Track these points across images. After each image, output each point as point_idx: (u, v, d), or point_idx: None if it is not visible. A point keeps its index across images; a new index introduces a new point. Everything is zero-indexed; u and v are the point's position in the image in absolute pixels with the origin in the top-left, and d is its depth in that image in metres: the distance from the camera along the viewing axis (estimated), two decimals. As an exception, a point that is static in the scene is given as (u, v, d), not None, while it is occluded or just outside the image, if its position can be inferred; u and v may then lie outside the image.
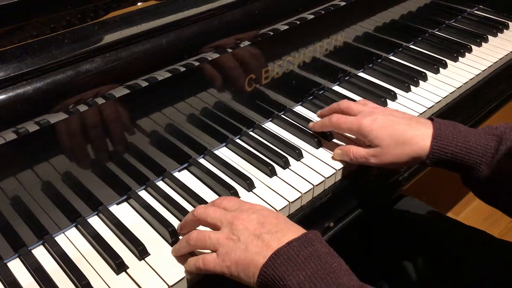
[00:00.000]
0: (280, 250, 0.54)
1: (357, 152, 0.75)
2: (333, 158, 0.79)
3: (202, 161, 0.80)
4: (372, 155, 0.73)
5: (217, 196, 0.73)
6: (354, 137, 0.82)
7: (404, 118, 0.74)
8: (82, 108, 0.61)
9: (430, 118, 0.74)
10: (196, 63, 0.70)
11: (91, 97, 0.61)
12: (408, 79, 1.00)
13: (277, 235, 0.56)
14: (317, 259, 0.53)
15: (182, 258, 0.63)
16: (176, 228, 0.67)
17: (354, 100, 0.93)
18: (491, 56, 1.10)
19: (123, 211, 0.72)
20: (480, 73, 1.05)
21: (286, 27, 0.80)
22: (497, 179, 0.67)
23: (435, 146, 0.69)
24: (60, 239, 0.67)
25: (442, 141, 0.69)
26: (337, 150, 0.79)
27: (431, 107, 0.94)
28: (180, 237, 0.65)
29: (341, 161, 0.79)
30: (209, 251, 0.59)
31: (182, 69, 0.69)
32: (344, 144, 0.83)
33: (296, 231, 0.57)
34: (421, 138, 0.70)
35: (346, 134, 0.83)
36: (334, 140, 0.84)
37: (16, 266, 0.63)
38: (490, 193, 0.70)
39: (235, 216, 0.59)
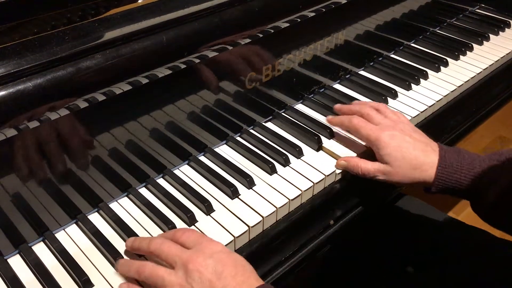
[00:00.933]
0: None
1: (365, 166, 0.75)
2: (336, 167, 0.78)
3: (202, 158, 0.80)
4: (382, 172, 0.74)
5: (218, 194, 0.73)
6: (354, 136, 0.83)
7: (421, 142, 0.73)
8: (82, 104, 0.61)
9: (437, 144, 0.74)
10: (197, 61, 0.70)
11: (90, 94, 0.61)
12: (409, 78, 1.00)
13: None
14: None
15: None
16: (173, 226, 0.66)
17: (356, 99, 0.93)
18: (493, 54, 1.10)
19: (124, 208, 0.72)
20: (481, 72, 1.04)
21: (287, 24, 0.80)
22: (503, 204, 0.68)
23: (439, 174, 0.70)
24: (60, 235, 0.67)
25: (447, 169, 0.70)
26: (341, 161, 0.78)
27: (432, 105, 0.94)
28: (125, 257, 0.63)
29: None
30: None
31: (183, 66, 0.69)
32: (344, 142, 0.83)
33: (252, 285, 0.54)
34: (431, 166, 0.71)
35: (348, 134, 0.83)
36: (335, 138, 0.84)
37: (16, 262, 0.64)
38: (497, 218, 0.71)
39: (191, 259, 0.56)
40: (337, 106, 0.86)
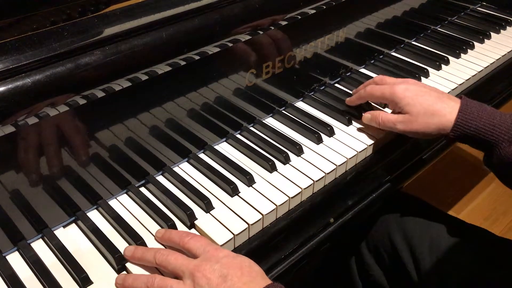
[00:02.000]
0: None
1: (386, 117, 0.79)
2: (363, 120, 0.83)
3: (202, 156, 0.80)
4: (400, 121, 0.77)
5: (218, 192, 0.73)
6: (354, 131, 0.82)
7: (436, 91, 0.77)
8: (81, 101, 0.60)
9: (459, 96, 0.76)
10: (196, 57, 0.70)
11: (90, 90, 0.60)
12: (410, 76, 0.99)
13: None
14: None
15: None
16: (170, 227, 0.66)
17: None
18: (494, 53, 1.10)
19: (123, 205, 0.72)
20: (482, 70, 1.04)
21: (287, 22, 0.80)
22: None
23: (459, 120, 0.72)
24: (59, 233, 0.67)
25: (467, 115, 0.71)
26: (366, 114, 0.83)
27: (432, 103, 0.93)
28: (129, 264, 0.62)
29: (366, 130, 0.83)
30: None
31: (182, 63, 0.68)
32: (344, 140, 0.83)
33: (259, 285, 0.55)
34: (449, 111, 0.73)
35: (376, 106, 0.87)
36: (335, 137, 0.84)
37: (15, 260, 0.63)
38: (510, 174, 0.71)
39: (198, 267, 0.56)
40: (348, 99, 0.89)
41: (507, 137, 0.69)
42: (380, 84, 0.83)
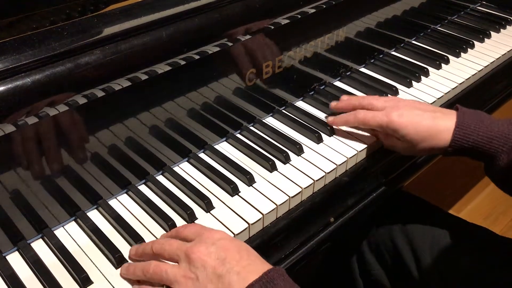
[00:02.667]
0: None
1: (385, 142, 0.80)
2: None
3: (202, 155, 0.80)
4: (403, 148, 0.78)
5: (218, 191, 0.73)
6: (353, 130, 0.82)
7: (429, 111, 0.75)
8: (81, 100, 0.60)
9: (455, 107, 0.76)
10: (196, 57, 0.70)
11: (89, 90, 0.60)
12: (410, 75, 0.99)
13: (239, 275, 0.52)
14: None
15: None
16: (165, 231, 0.66)
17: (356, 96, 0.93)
18: (494, 52, 1.09)
19: (123, 205, 0.71)
20: (482, 69, 1.04)
21: (287, 21, 0.80)
22: None
23: (457, 135, 0.71)
24: (59, 232, 0.67)
25: (465, 130, 0.71)
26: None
27: (433, 102, 0.93)
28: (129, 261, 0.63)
29: (366, 130, 0.82)
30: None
31: (182, 62, 0.68)
32: (345, 139, 0.82)
33: (258, 269, 0.53)
34: (446, 132, 0.72)
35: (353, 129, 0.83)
36: (335, 136, 0.84)
37: (15, 260, 0.63)
38: (510, 182, 0.71)
39: (192, 249, 0.55)
40: (333, 103, 0.86)
41: (506, 148, 0.68)
42: (369, 109, 0.80)
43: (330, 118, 0.84)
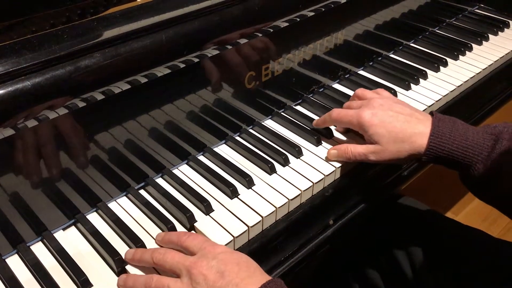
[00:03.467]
0: None
1: (356, 150, 0.75)
2: (327, 159, 0.78)
3: (201, 158, 0.80)
4: (372, 151, 0.73)
5: (218, 194, 0.73)
6: (353, 134, 0.83)
7: (404, 114, 0.73)
8: (81, 103, 0.60)
9: (430, 113, 0.74)
10: (196, 60, 0.70)
11: (89, 93, 0.60)
12: (409, 77, 0.99)
13: (238, 287, 0.53)
14: None
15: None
16: (156, 237, 0.66)
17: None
18: (492, 54, 1.10)
19: (122, 208, 0.72)
20: (480, 72, 1.04)
21: (286, 24, 0.80)
22: (493, 178, 0.67)
23: (432, 143, 0.69)
24: (59, 235, 0.67)
25: (440, 138, 0.69)
26: (332, 150, 0.78)
27: (431, 105, 0.94)
28: (129, 267, 0.63)
29: (338, 160, 0.78)
30: None
31: (182, 65, 0.68)
32: (343, 142, 0.83)
33: (257, 281, 0.54)
34: (420, 136, 0.70)
35: (343, 134, 0.83)
36: (334, 138, 0.84)
37: (14, 262, 0.63)
38: (486, 192, 0.71)
39: (194, 264, 0.56)
40: (314, 122, 0.86)
41: (481, 158, 0.67)
42: (345, 107, 0.80)
43: (314, 121, 0.85)
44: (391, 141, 0.71)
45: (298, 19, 0.82)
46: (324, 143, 0.82)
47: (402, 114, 0.73)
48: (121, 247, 0.65)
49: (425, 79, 1.01)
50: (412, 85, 0.98)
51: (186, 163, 0.79)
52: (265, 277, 0.55)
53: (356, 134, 0.83)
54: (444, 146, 0.69)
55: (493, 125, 0.71)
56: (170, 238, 0.63)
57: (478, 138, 0.69)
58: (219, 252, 0.57)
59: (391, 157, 0.72)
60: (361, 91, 0.83)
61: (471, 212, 1.70)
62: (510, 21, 1.24)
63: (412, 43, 1.15)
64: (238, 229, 0.67)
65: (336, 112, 0.78)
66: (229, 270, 0.55)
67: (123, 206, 0.72)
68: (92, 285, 0.60)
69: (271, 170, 0.76)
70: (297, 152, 0.79)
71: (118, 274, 0.62)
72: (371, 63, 1.05)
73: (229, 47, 0.74)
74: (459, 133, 0.69)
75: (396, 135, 0.71)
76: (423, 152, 0.70)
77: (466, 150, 0.68)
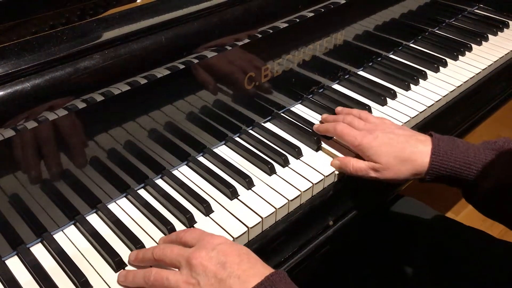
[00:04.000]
0: None
1: (358, 165, 0.75)
2: (331, 165, 0.78)
3: (201, 159, 0.80)
4: (373, 168, 0.73)
5: (217, 195, 0.73)
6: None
7: (404, 136, 0.74)
8: (81, 105, 0.60)
9: (429, 134, 0.74)
10: (196, 61, 0.70)
11: (89, 94, 0.60)
12: (408, 78, 0.99)
13: (240, 279, 0.52)
14: None
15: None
16: (158, 239, 0.66)
17: (355, 100, 0.93)
18: (492, 55, 1.10)
19: (122, 209, 0.72)
20: (480, 72, 1.04)
21: (286, 25, 0.80)
22: (497, 193, 0.68)
23: (434, 162, 0.69)
24: (59, 237, 0.67)
25: (441, 157, 0.69)
26: (335, 161, 0.78)
27: (431, 106, 0.94)
28: (129, 268, 0.63)
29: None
30: None
31: (181, 66, 0.68)
32: (343, 143, 0.83)
33: (259, 273, 0.53)
34: (420, 155, 0.71)
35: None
36: (334, 139, 0.84)
37: (14, 264, 0.63)
38: (490, 207, 0.71)
39: (194, 254, 0.55)
40: (323, 115, 0.86)
41: (484, 174, 0.67)
42: (348, 124, 0.79)
43: (316, 125, 0.85)
44: (391, 161, 0.72)
45: (298, 20, 0.82)
46: (323, 144, 0.82)
47: (402, 136, 0.74)
48: (121, 248, 0.65)
49: (424, 80, 1.01)
50: (411, 85, 0.98)
51: (186, 164, 0.79)
52: (268, 269, 0.55)
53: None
54: (447, 164, 0.69)
55: (493, 141, 0.71)
56: (170, 238, 0.63)
57: (479, 155, 0.69)
58: (218, 243, 0.56)
59: (392, 176, 0.73)
60: (364, 114, 0.82)
61: (472, 212, 1.68)
62: (509, 21, 1.24)
63: (411, 43, 1.15)
64: (238, 230, 0.67)
65: (341, 127, 0.78)
66: (230, 261, 0.54)
67: (123, 207, 0.72)
68: (92, 286, 0.60)
69: (271, 171, 0.76)
70: (297, 153, 0.79)
71: (118, 275, 0.62)
72: (370, 64, 1.05)
73: (229, 48, 0.74)
74: (460, 151, 0.69)
75: (396, 154, 0.72)
76: (426, 171, 0.70)
77: (469, 167, 0.68)
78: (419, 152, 0.71)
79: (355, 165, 0.75)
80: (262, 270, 0.54)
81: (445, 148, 0.70)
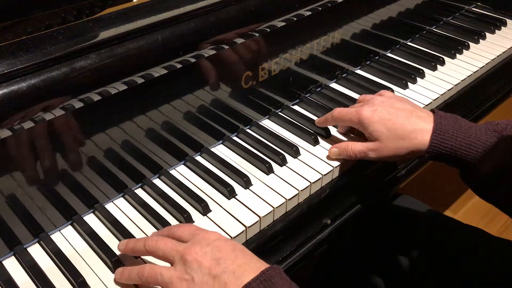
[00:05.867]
0: None
1: (355, 147, 0.75)
2: (328, 157, 0.78)
3: (198, 158, 0.80)
4: (371, 149, 0.73)
5: (214, 193, 0.73)
6: (352, 135, 0.83)
7: (404, 111, 0.73)
8: (77, 105, 0.60)
9: (432, 110, 0.73)
10: (192, 60, 0.70)
11: (85, 94, 0.60)
12: (406, 76, 0.99)
13: (235, 274, 0.52)
14: None
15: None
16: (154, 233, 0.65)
17: (353, 98, 0.93)
18: (489, 53, 1.10)
19: (119, 209, 0.71)
20: (477, 70, 1.04)
21: (283, 23, 0.80)
22: (496, 176, 0.67)
23: (434, 140, 0.69)
24: (56, 237, 0.67)
25: (442, 135, 0.68)
26: (333, 148, 0.78)
27: (428, 104, 0.94)
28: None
29: (338, 159, 0.78)
30: None
31: (178, 65, 0.68)
32: (341, 141, 0.82)
33: (254, 268, 0.53)
34: (420, 133, 0.70)
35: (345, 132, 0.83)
36: (332, 137, 0.84)
37: (11, 265, 0.63)
38: (488, 190, 0.70)
39: (188, 250, 0.54)
40: (316, 120, 0.85)
41: (484, 156, 0.67)
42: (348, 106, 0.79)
43: (316, 119, 0.85)
44: (391, 138, 0.71)
45: (295, 19, 0.81)
46: (321, 143, 0.82)
47: (402, 111, 0.73)
48: (119, 248, 0.65)
49: (422, 78, 1.01)
50: (409, 84, 0.98)
51: (183, 164, 0.79)
52: (263, 264, 0.54)
53: (355, 134, 0.83)
54: (447, 143, 0.68)
55: (495, 122, 0.70)
56: (162, 232, 0.62)
57: (481, 135, 0.68)
58: (213, 239, 0.56)
59: (390, 154, 0.72)
60: (363, 96, 0.82)
61: (470, 210, 1.70)
62: (507, 19, 1.24)
63: (409, 42, 1.15)
64: (235, 229, 0.67)
65: (337, 110, 0.78)
66: (224, 257, 0.53)
67: (120, 207, 0.72)
68: (89, 287, 0.60)
69: (268, 170, 0.76)
70: (295, 151, 0.79)
71: (115, 275, 0.62)
72: (368, 62, 1.05)
73: (226, 47, 0.74)
74: (462, 130, 0.69)
75: (395, 131, 0.71)
76: (425, 149, 0.70)
77: (469, 147, 0.68)
78: (419, 129, 0.70)
79: (354, 148, 0.75)
80: (258, 265, 0.54)
81: (446, 127, 0.69)
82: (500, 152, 0.66)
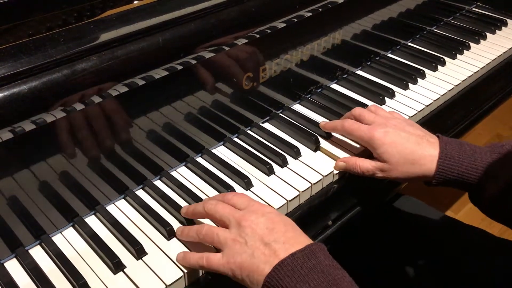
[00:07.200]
0: (284, 261, 0.54)
1: (364, 165, 0.75)
2: (335, 168, 0.78)
3: (200, 160, 0.80)
4: (380, 169, 0.73)
5: (215, 194, 0.73)
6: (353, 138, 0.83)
7: (416, 136, 0.73)
8: (78, 107, 0.60)
9: (436, 135, 0.73)
10: (193, 62, 0.70)
11: (86, 96, 0.60)
12: (406, 77, 0.99)
13: (284, 245, 0.56)
14: (320, 272, 0.53)
15: (180, 257, 0.63)
16: (176, 226, 0.66)
17: (353, 99, 0.94)
18: (490, 53, 1.10)
19: (121, 211, 0.71)
20: (478, 71, 1.04)
21: (284, 25, 0.80)
22: (504, 197, 0.67)
23: (441, 167, 0.69)
24: (57, 238, 0.67)
25: (448, 161, 0.69)
26: (340, 162, 0.78)
27: (429, 104, 0.94)
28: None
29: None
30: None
31: (179, 67, 0.68)
32: (342, 142, 0.83)
33: (302, 242, 0.57)
34: (429, 159, 0.70)
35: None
36: (333, 139, 0.84)
37: (13, 266, 0.63)
38: (498, 211, 0.70)
39: (244, 217, 0.59)
40: (322, 124, 0.84)
41: (491, 177, 0.67)
42: (359, 120, 0.78)
43: (322, 122, 0.84)
44: (401, 162, 0.71)
45: (295, 20, 0.82)
46: (322, 144, 0.82)
47: (413, 136, 0.73)
48: (120, 250, 0.65)
49: (423, 79, 1.01)
50: (410, 84, 0.98)
51: (185, 165, 0.79)
52: (309, 240, 0.58)
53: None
54: (454, 169, 0.69)
55: (499, 144, 0.71)
56: (217, 197, 0.66)
57: (487, 159, 0.69)
58: (268, 211, 0.60)
59: (398, 176, 0.73)
60: (374, 107, 0.82)
61: (471, 210, 1.69)
62: (508, 19, 1.24)
63: (409, 42, 1.15)
64: (236, 230, 0.67)
65: (349, 123, 0.78)
66: (276, 228, 0.57)
67: (121, 209, 0.72)
68: (90, 288, 0.60)
69: (269, 171, 0.76)
70: (295, 153, 0.79)
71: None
72: (368, 63, 1.05)
73: (226, 48, 0.74)
74: (467, 155, 0.69)
75: (406, 156, 0.71)
76: (433, 175, 0.70)
77: (476, 171, 0.68)
78: (428, 155, 0.70)
79: (362, 165, 0.75)
80: (305, 240, 0.58)
81: (452, 153, 0.70)
82: (506, 173, 0.67)
